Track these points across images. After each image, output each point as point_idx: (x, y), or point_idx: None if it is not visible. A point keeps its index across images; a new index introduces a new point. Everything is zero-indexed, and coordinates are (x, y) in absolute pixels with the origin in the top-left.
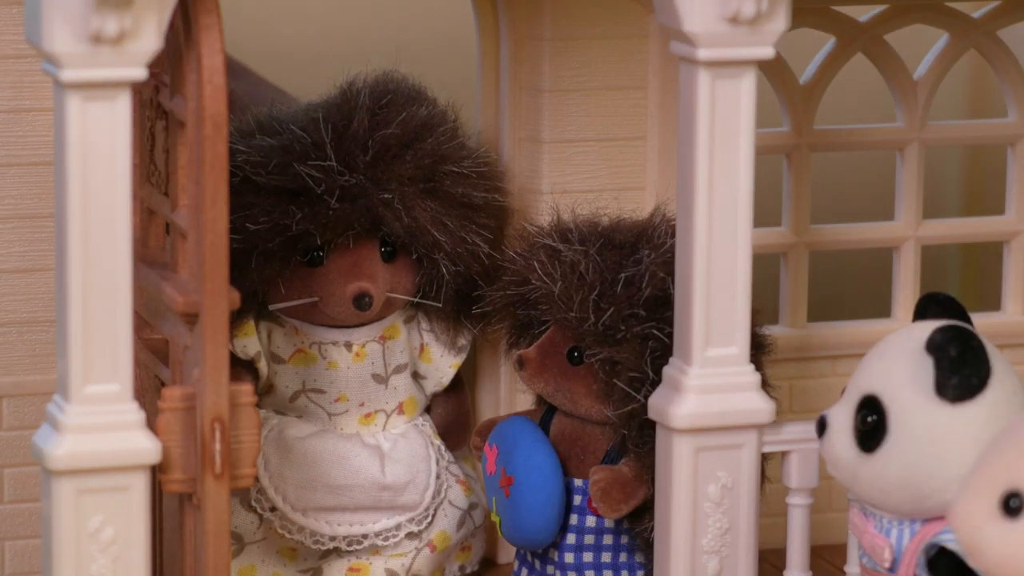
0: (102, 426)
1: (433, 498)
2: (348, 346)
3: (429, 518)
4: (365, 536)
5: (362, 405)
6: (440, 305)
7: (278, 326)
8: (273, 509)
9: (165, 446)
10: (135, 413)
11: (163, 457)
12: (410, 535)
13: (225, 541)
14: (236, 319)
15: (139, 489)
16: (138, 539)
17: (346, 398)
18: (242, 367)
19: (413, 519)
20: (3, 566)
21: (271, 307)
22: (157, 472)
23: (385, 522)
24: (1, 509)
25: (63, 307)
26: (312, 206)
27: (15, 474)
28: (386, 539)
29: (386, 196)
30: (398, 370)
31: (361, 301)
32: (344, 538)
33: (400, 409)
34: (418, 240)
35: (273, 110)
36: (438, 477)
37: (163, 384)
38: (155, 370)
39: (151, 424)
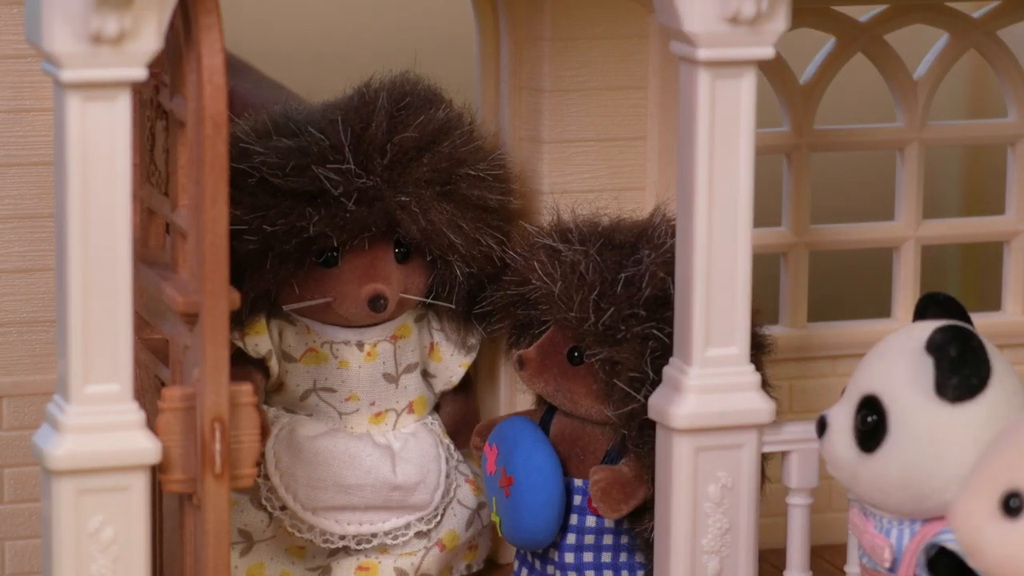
0: (102, 426)
1: (443, 498)
2: (360, 345)
3: (438, 517)
4: (374, 535)
5: (373, 404)
6: (453, 306)
7: (290, 325)
8: (283, 508)
9: (165, 446)
10: (135, 413)
11: (163, 457)
12: (419, 534)
13: (225, 541)
14: (248, 317)
15: (139, 489)
16: (138, 539)
17: (357, 397)
18: (253, 365)
19: (423, 518)
20: (3, 566)
21: (285, 308)
22: (157, 472)
23: (395, 521)
24: (1, 509)
25: (63, 307)
26: (329, 208)
27: (15, 474)
28: (395, 538)
29: (403, 199)
30: (409, 369)
31: (376, 303)
32: (353, 537)
33: (410, 408)
34: (433, 242)
35: (289, 110)
36: (448, 476)
37: (163, 384)
38: (155, 370)
39: (151, 424)
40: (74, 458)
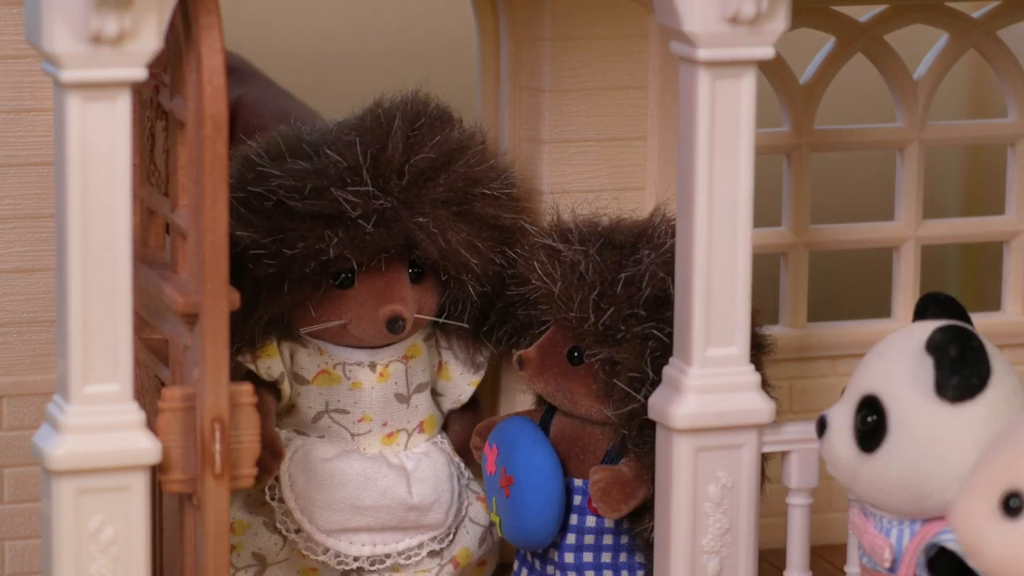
0: (102, 426)
1: (455, 516)
2: (372, 366)
3: (451, 536)
4: (388, 555)
5: (385, 425)
6: (466, 325)
7: (301, 347)
8: (298, 531)
9: (165, 446)
10: (135, 413)
11: (163, 457)
12: (432, 553)
13: (225, 541)
14: (260, 340)
15: (139, 489)
16: (138, 539)
17: (369, 418)
18: (265, 388)
19: (436, 537)
20: (3, 566)
21: (301, 331)
22: (157, 472)
23: (408, 541)
24: (1, 509)
25: (63, 307)
26: (348, 231)
27: (15, 474)
28: (409, 558)
29: (421, 220)
30: (419, 389)
31: (395, 324)
32: (368, 558)
33: (421, 428)
34: (450, 262)
35: (300, 132)
36: (460, 495)
37: (163, 384)
38: (155, 370)
39: (151, 424)
40: (74, 458)
